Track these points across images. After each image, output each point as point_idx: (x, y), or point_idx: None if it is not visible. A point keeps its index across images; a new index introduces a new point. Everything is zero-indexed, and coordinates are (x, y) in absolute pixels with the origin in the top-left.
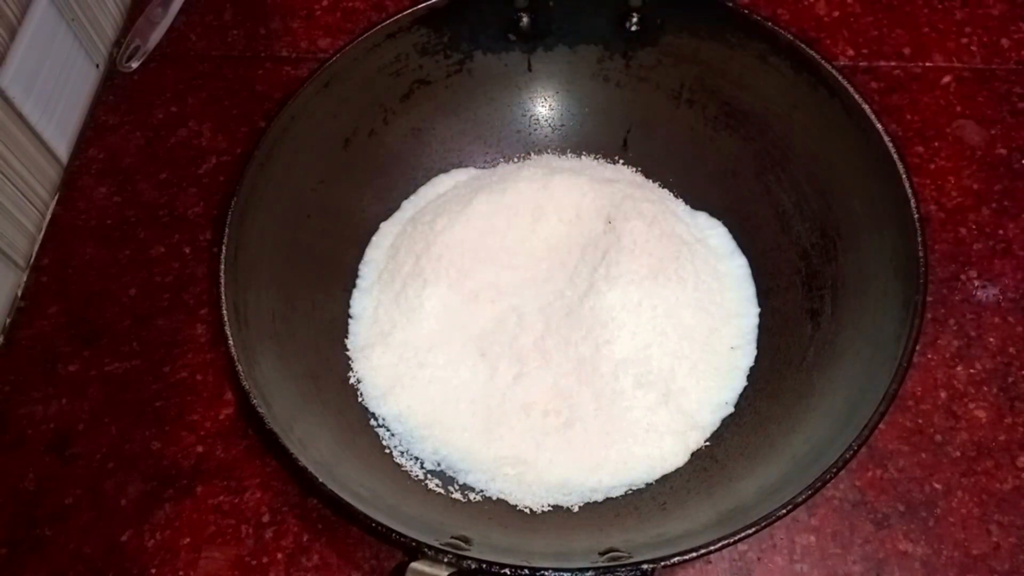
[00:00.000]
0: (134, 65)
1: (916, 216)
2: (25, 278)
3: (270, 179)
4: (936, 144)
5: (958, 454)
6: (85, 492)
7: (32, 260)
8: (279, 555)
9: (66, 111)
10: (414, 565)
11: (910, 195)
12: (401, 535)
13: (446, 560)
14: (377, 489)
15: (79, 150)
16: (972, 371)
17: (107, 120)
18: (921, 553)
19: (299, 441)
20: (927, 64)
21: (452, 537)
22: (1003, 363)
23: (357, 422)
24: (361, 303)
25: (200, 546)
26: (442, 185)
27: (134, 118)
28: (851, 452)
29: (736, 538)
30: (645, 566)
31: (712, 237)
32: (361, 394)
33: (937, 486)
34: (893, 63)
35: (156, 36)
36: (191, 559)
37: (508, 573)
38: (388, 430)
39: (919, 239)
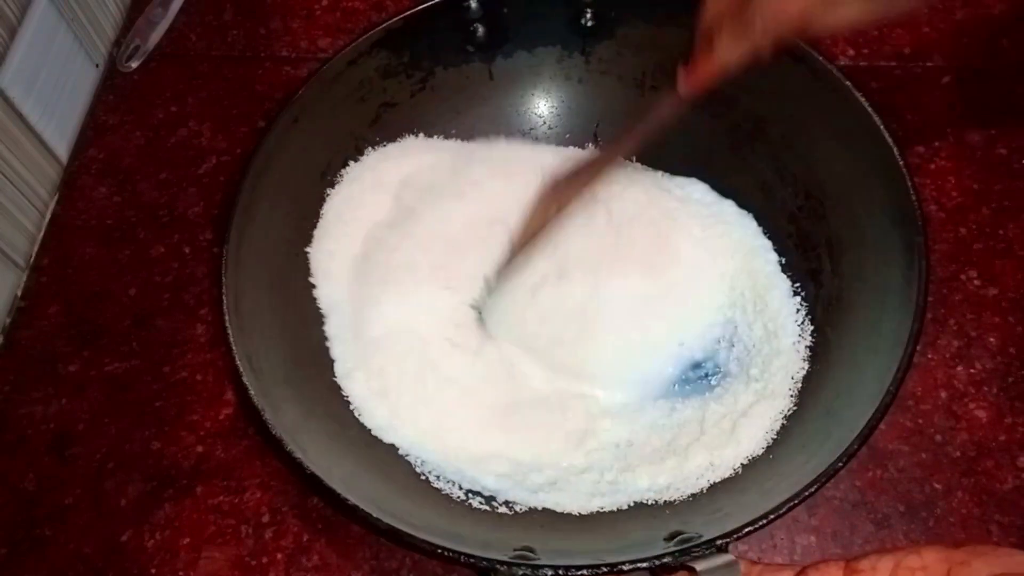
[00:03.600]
0: (134, 65)
1: (901, 162)
2: (25, 278)
3: (255, 223)
4: (936, 144)
5: (958, 454)
6: (85, 492)
7: (32, 260)
8: (279, 555)
9: (66, 111)
10: None
11: (891, 143)
12: (470, 556)
13: (521, 573)
14: (426, 516)
15: (79, 150)
16: (972, 371)
17: (107, 120)
18: None
19: (342, 482)
20: (927, 64)
21: (515, 550)
22: (1003, 363)
23: (387, 454)
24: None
25: (200, 546)
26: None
27: (134, 118)
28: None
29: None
30: (719, 542)
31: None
32: (370, 429)
33: (937, 486)
34: (893, 63)
35: (156, 36)
36: (191, 559)
37: (586, 574)
38: (417, 456)
39: (908, 183)
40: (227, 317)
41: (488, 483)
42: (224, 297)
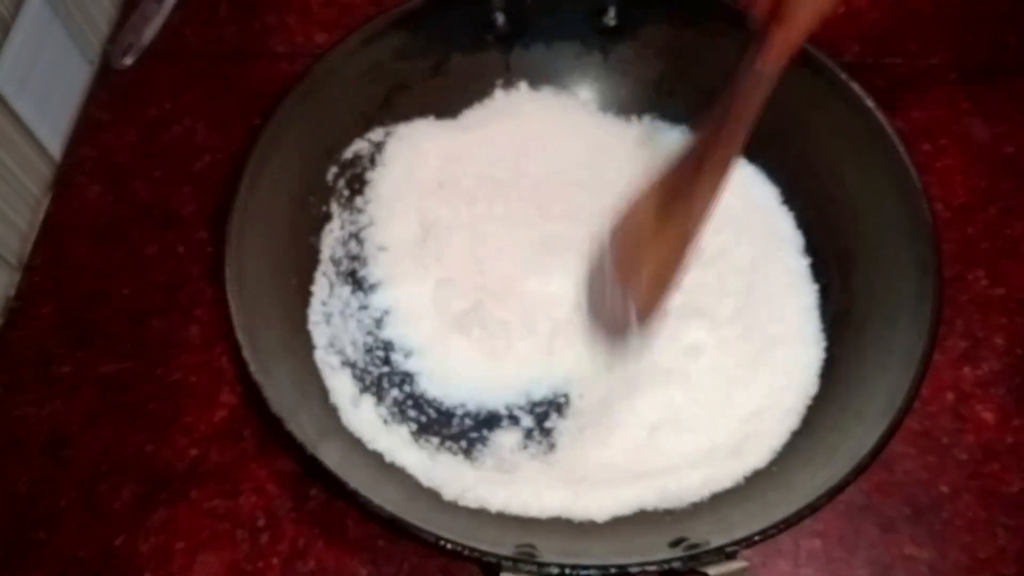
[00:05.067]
0: (128, 62)
1: (915, 176)
2: (18, 278)
3: (258, 194)
4: (943, 142)
5: (965, 457)
6: (79, 495)
7: (25, 260)
8: (274, 560)
9: (59, 108)
10: None
11: (906, 161)
12: (475, 550)
13: (527, 570)
14: (421, 511)
15: (72, 148)
16: (979, 372)
17: (101, 117)
18: (927, 557)
19: (341, 468)
20: (933, 61)
21: (517, 547)
22: (1010, 364)
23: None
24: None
25: (195, 550)
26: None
27: (128, 115)
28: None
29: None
30: (728, 549)
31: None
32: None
33: (944, 489)
34: (899, 60)
35: (150, 32)
36: (186, 563)
37: (593, 574)
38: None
39: (923, 202)
40: (228, 286)
41: (482, 491)
42: (227, 268)
